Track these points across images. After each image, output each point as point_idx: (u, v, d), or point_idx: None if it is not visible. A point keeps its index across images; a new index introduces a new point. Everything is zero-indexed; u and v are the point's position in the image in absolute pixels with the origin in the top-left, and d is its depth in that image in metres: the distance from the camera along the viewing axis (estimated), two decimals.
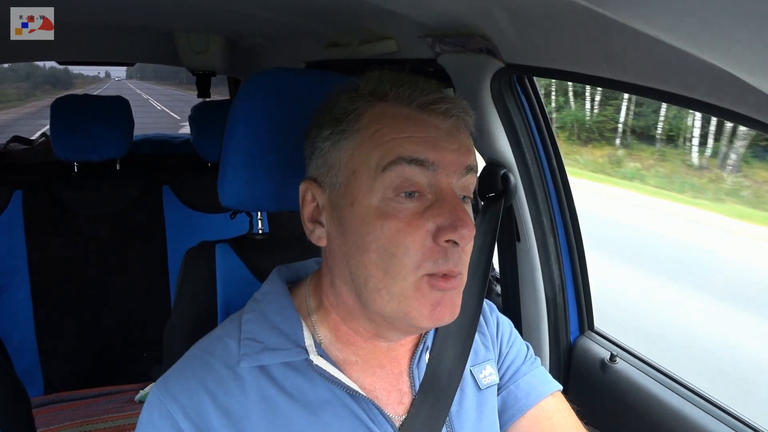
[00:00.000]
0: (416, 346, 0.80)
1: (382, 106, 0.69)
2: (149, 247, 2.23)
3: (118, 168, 2.17)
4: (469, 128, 0.72)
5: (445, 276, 0.66)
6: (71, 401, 2.04)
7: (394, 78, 0.70)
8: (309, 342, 0.73)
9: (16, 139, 2.48)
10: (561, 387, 0.87)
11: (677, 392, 1.03)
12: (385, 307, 0.67)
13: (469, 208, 0.71)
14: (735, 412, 0.97)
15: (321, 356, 0.72)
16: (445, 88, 1.40)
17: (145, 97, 26.89)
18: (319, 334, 0.74)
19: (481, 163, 1.24)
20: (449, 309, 0.68)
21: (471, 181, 0.70)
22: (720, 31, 0.40)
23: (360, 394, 0.71)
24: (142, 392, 2.04)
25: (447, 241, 0.65)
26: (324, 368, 0.71)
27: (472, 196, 0.72)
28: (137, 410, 0.71)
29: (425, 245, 0.65)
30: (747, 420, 0.94)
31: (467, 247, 0.68)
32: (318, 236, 0.73)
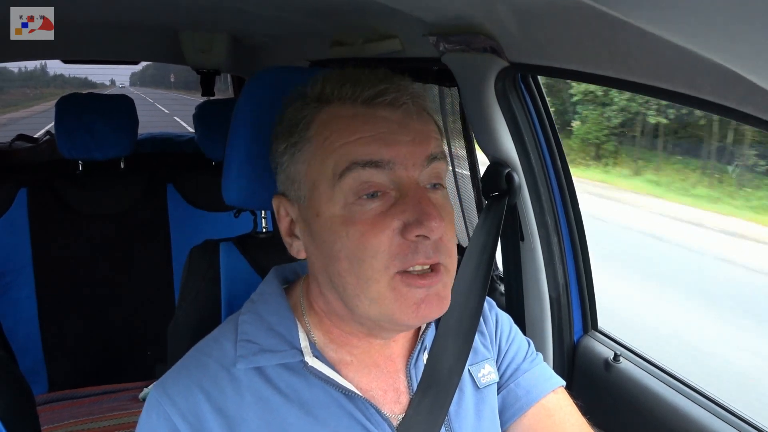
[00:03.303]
0: (413, 344, 0.79)
1: (329, 110, 0.67)
2: (153, 246, 2.23)
3: (122, 167, 2.17)
4: (427, 111, 0.69)
5: (422, 273, 0.65)
6: (75, 399, 2.05)
7: (337, 77, 0.69)
8: (304, 343, 0.72)
9: (21, 137, 2.48)
10: (563, 383, 0.86)
11: (681, 392, 1.03)
12: (369, 312, 0.66)
13: (443, 195, 0.69)
14: (738, 412, 0.96)
15: (316, 357, 0.71)
16: (448, 87, 1.41)
17: (136, 92, 38.59)
18: (313, 335, 0.74)
19: (484, 162, 1.24)
20: (435, 304, 0.66)
21: (439, 168, 0.68)
22: (726, 30, 0.40)
23: (356, 394, 0.70)
24: (145, 390, 2.05)
25: (418, 236, 0.63)
26: (319, 369, 0.71)
27: (444, 182, 0.70)
28: (141, 408, 0.71)
29: (393, 244, 0.64)
30: (750, 420, 0.94)
31: (445, 237, 0.66)
32: (297, 249, 0.73)
